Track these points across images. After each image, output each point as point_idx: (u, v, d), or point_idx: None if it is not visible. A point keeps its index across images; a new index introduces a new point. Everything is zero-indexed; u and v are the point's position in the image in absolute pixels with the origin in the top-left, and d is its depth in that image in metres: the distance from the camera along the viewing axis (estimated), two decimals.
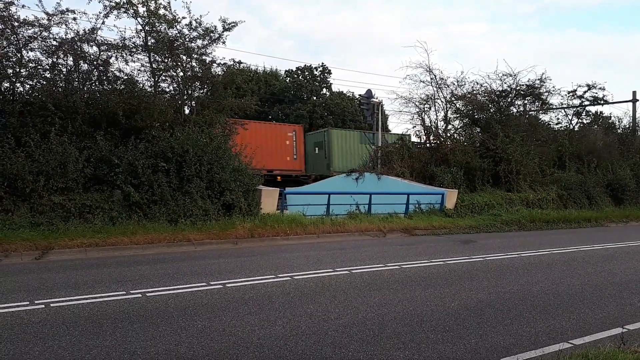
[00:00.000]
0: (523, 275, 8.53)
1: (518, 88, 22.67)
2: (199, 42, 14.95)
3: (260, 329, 5.25)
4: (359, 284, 7.51)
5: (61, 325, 5.29)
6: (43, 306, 6.00)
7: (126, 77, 14.52)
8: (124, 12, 13.91)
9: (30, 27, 12.92)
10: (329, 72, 47.59)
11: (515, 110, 23.96)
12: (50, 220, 10.96)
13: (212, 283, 7.36)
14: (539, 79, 22.66)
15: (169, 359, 4.42)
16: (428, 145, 21.39)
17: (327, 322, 5.53)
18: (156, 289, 6.92)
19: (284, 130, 28.55)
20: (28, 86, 13.50)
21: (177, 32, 14.59)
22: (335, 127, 32.07)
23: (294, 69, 46.80)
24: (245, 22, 47.89)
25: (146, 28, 14.27)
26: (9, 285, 7.11)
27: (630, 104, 28.72)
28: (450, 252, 10.90)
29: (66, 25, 13.37)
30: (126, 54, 14.34)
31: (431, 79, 21.82)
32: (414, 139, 23.41)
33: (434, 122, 22.36)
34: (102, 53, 13.99)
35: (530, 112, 24.95)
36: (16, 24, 12.69)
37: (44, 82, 13.35)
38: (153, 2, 14.07)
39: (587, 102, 25.70)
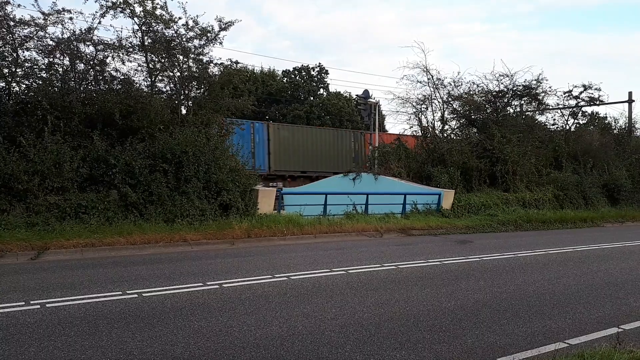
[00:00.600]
0: (519, 275, 8.55)
1: (515, 88, 22.75)
2: (196, 42, 14.93)
3: (256, 329, 5.25)
4: (356, 284, 7.51)
5: (57, 325, 5.27)
6: (39, 306, 5.97)
7: (123, 77, 14.49)
8: (121, 11, 13.88)
9: (26, 27, 12.90)
10: (326, 73, 47.68)
11: (511, 110, 24.06)
12: (45, 220, 10.93)
13: (208, 283, 7.35)
14: (535, 80, 22.76)
15: (165, 359, 4.41)
16: (425, 145, 21.42)
17: (323, 322, 5.53)
18: (152, 289, 6.90)
19: None
20: (24, 86, 13.47)
21: (173, 32, 14.57)
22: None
23: (291, 69, 46.89)
24: (242, 21, 47.78)
25: (143, 28, 14.25)
26: (4, 285, 7.08)
27: (626, 104, 28.83)
28: (446, 252, 10.91)
29: (62, 24, 13.35)
30: (123, 54, 14.32)
31: (428, 79, 21.86)
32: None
33: (431, 123, 22.42)
34: (98, 53, 13.96)
35: (526, 113, 25.03)
36: (12, 23, 12.66)
37: (40, 82, 13.32)
38: (149, 2, 14.05)
39: (583, 103, 25.77)
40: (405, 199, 16.84)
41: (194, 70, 15.29)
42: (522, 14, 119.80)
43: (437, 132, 22.15)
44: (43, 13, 13.04)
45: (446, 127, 22.87)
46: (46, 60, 13.47)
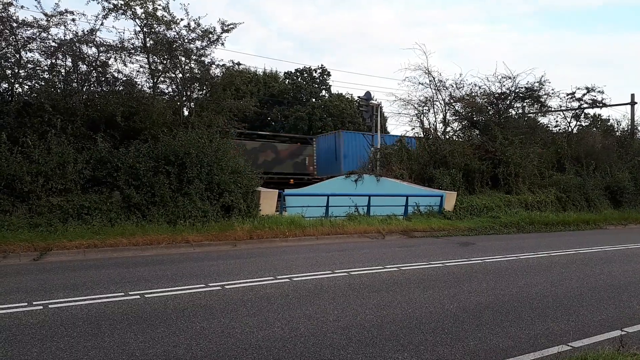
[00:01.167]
0: (522, 277, 8.53)
1: (517, 90, 22.76)
2: (198, 44, 15.01)
3: (258, 330, 5.24)
4: (358, 286, 7.50)
5: (59, 326, 5.28)
6: (41, 307, 5.98)
7: (125, 79, 14.56)
8: (122, 13, 13.95)
9: (28, 28, 12.96)
10: (328, 74, 47.71)
11: (514, 112, 24.05)
12: (48, 221, 10.96)
13: (210, 284, 7.34)
14: (538, 82, 22.77)
15: None
16: (427, 147, 21.42)
17: (325, 324, 5.52)
18: (155, 291, 6.90)
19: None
20: (27, 87, 13.54)
21: (175, 33, 14.63)
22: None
23: (293, 71, 46.92)
24: (244, 22, 47.87)
25: (145, 29, 14.30)
26: (7, 286, 7.09)
27: (629, 106, 28.79)
28: (449, 254, 10.89)
29: (65, 26, 13.43)
30: (125, 56, 14.38)
31: (430, 81, 21.89)
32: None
33: (433, 124, 22.42)
34: (100, 54, 14.03)
35: (529, 115, 25.01)
36: (15, 24, 12.72)
37: (43, 83, 13.37)
38: (151, 3, 14.10)
39: (585, 105, 25.77)
40: (407, 201, 16.82)
41: (196, 71, 15.33)
42: (523, 15, 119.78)
43: (439, 133, 22.14)
44: (46, 14, 13.10)
45: (448, 129, 22.91)
46: (49, 62, 13.53)
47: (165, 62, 14.93)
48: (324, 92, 47.79)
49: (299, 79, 46.58)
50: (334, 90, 48.19)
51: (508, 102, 23.19)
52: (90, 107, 13.57)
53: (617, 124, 28.94)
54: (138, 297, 6.57)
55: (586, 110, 26.60)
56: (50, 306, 6.03)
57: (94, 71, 14.12)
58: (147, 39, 14.43)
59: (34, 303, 6.15)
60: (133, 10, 13.95)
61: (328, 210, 15.46)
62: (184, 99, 15.65)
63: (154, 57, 14.72)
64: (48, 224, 10.87)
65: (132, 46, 14.34)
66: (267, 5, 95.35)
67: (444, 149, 20.21)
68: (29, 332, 5.08)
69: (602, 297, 7.15)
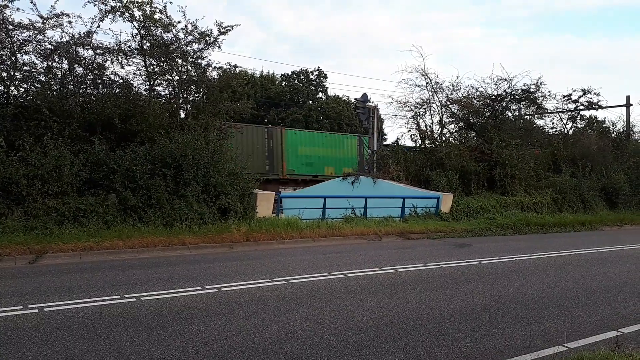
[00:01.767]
0: (518, 278, 8.55)
1: (513, 92, 22.80)
2: (195, 46, 14.98)
3: (255, 333, 5.24)
4: (355, 288, 7.51)
5: (55, 329, 5.26)
6: (37, 310, 5.96)
7: (121, 81, 14.52)
8: (120, 16, 13.91)
9: (24, 30, 12.91)
10: (325, 76, 47.76)
11: (510, 114, 24.09)
12: (44, 224, 10.91)
13: (207, 287, 7.33)
14: (534, 84, 22.80)
15: None
16: (423, 148, 21.45)
17: (322, 326, 5.52)
18: (151, 293, 6.89)
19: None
20: (22, 89, 13.49)
21: (172, 36, 14.60)
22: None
23: (290, 73, 46.93)
24: (241, 25, 47.65)
25: (142, 32, 14.27)
26: (2, 289, 7.06)
27: (624, 108, 28.91)
28: (445, 256, 10.91)
29: (61, 28, 13.36)
30: (121, 58, 14.33)
31: (427, 83, 21.90)
32: (409, 142, 23.47)
33: (430, 126, 22.45)
34: (97, 57, 13.98)
35: (525, 117, 25.08)
36: (10, 27, 12.68)
37: (39, 86, 13.33)
38: (148, 6, 14.08)
39: (582, 107, 25.85)
40: (404, 203, 16.84)
41: (193, 74, 15.32)
42: (520, 19, 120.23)
43: (435, 135, 22.18)
44: (42, 17, 13.05)
45: (445, 130, 22.92)
46: (45, 64, 13.48)
47: (162, 64, 14.91)
48: (320, 94, 47.83)
49: (296, 81, 46.60)
50: (331, 92, 48.25)
51: (504, 104, 23.24)
52: (86, 109, 13.53)
53: (613, 126, 29.05)
54: (134, 299, 6.55)
55: (582, 112, 26.71)
56: (45, 309, 6.01)
57: (90, 74, 14.08)
58: (144, 42, 14.41)
59: (30, 306, 6.12)
60: (130, 12, 13.92)
61: (325, 212, 15.46)
62: (181, 101, 15.63)
63: (151, 59, 14.70)
64: (44, 227, 10.83)
65: (128, 48, 14.31)
66: (266, 8, 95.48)
67: (441, 150, 20.24)
68: (24, 335, 5.06)
69: (598, 298, 7.17)
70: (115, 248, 10.29)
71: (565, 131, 26.34)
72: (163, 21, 14.32)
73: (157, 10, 14.23)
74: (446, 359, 4.61)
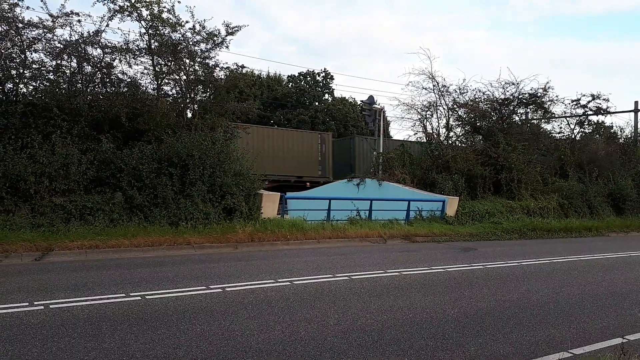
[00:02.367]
0: (523, 283, 8.51)
1: (520, 96, 22.72)
2: (202, 46, 15.04)
3: (259, 333, 5.24)
4: (359, 290, 7.50)
5: (60, 326, 5.29)
6: (42, 307, 5.99)
7: (129, 80, 14.61)
8: (128, 15, 13.99)
9: (34, 29, 13.01)
10: (332, 78, 47.77)
11: (517, 118, 24.01)
12: (51, 222, 10.99)
13: (211, 287, 7.35)
14: (542, 88, 22.72)
15: None
16: (429, 152, 21.40)
17: (326, 327, 5.52)
18: (156, 292, 6.91)
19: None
20: (31, 87, 13.58)
21: (180, 35, 14.67)
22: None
23: (297, 74, 46.99)
24: (249, 26, 47.99)
25: (150, 31, 14.35)
26: (9, 286, 7.11)
27: (632, 113, 28.74)
28: (450, 260, 10.88)
29: (70, 27, 13.47)
30: (130, 57, 14.42)
31: (433, 86, 21.88)
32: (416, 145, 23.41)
33: (436, 129, 22.42)
34: (105, 56, 14.08)
35: (532, 121, 24.98)
36: (20, 25, 12.77)
37: (47, 84, 13.42)
38: (157, 5, 14.15)
39: (590, 112, 25.70)
40: (409, 206, 16.81)
41: (200, 73, 15.37)
42: (526, 22, 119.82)
43: (441, 139, 22.14)
44: (51, 15, 13.15)
45: (451, 134, 22.90)
46: (54, 63, 13.58)
47: (169, 64, 14.98)
48: (327, 95, 47.86)
49: (303, 83, 46.66)
50: (337, 94, 48.28)
51: (511, 107, 23.17)
52: (94, 108, 13.62)
53: (621, 131, 28.88)
54: (139, 298, 6.58)
55: (590, 117, 26.57)
56: (51, 306, 6.04)
57: (98, 72, 14.18)
58: (152, 41, 14.49)
59: (35, 303, 6.16)
60: (139, 12, 14.00)
61: (330, 214, 15.46)
62: (188, 101, 15.69)
63: (159, 59, 14.77)
64: (50, 224, 10.91)
65: (137, 48, 14.40)
66: (272, 9, 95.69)
67: (447, 154, 20.20)
68: (29, 332, 5.09)
69: (604, 304, 7.13)
70: (120, 246, 10.34)
71: (573, 136, 26.21)
72: (171, 21, 14.39)
73: (165, 9, 14.31)
74: None
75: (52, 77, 13.58)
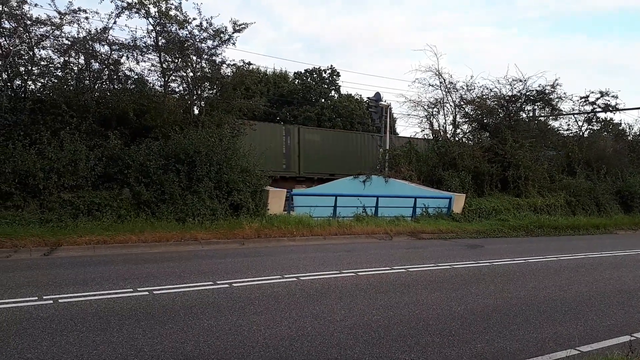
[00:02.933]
0: (530, 280, 8.49)
1: (528, 93, 22.59)
2: (209, 43, 15.05)
3: (266, 328, 5.27)
4: (365, 286, 7.51)
5: (69, 321, 5.34)
6: (51, 302, 6.05)
7: (136, 77, 14.67)
8: (136, 12, 14.02)
9: (42, 26, 13.09)
10: (338, 75, 47.65)
11: (524, 115, 23.87)
12: (59, 217, 11.07)
13: (218, 282, 7.39)
14: (550, 85, 22.56)
15: (175, 356, 4.44)
16: (436, 149, 21.33)
17: (332, 323, 5.54)
18: (163, 287, 6.95)
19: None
20: (39, 84, 13.65)
21: (187, 32, 14.69)
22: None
23: (303, 71, 46.91)
24: (255, 23, 47.94)
25: (157, 28, 14.38)
26: (18, 280, 7.18)
27: None
28: (457, 257, 10.86)
29: (78, 24, 13.54)
30: (137, 54, 14.48)
31: (440, 82, 21.79)
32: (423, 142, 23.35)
33: (443, 126, 22.35)
34: (113, 52, 14.14)
35: (539, 118, 24.83)
36: (29, 22, 12.85)
37: (55, 81, 13.50)
38: (164, 2, 14.17)
39: (598, 109, 25.51)
40: (415, 202, 16.78)
41: (207, 70, 15.40)
42: (534, 19, 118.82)
43: (448, 135, 22.06)
44: (59, 12, 13.22)
45: (458, 131, 22.80)
46: (62, 59, 13.65)
47: (176, 61, 15.01)
48: (333, 92, 47.77)
49: (309, 80, 46.58)
50: (343, 91, 48.14)
51: (519, 104, 23.04)
52: (102, 104, 13.69)
53: (629, 128, 28.66)
54: (147, 293, 6.62)
55: (598, 114, 26.37)
56: (60, 301, 6.10)
57: (106, 69, 14.24)
58: (159, 38, 14.52)
59: (44, 297, 6.22)
60: (146, 9, 14.03)
61: (336, 210, 15.46)
62: (195, 97, 15.73)
63: (166, 55, 14.81)
64: (59, 220, 10.98)
65: (144, 45, 14.44)
66: (278, 7, 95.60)
67: (454, 151, 20.12)
68: (39, 326, 5.15)
69: (611, 302, 7.10)
70: (128, 242, 10.40)
71: (581, 133, 26.04)
72: (178, 18, 14.41)
73: (173, 7, 14.34)
74: None
75: (60, 73, 13.66)
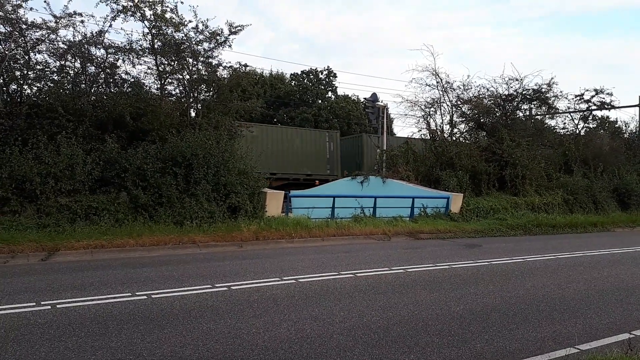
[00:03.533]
0: (529, 279, 8.49)
1: (524, 92, 22.64)
2: (205, 45, 15.05)
3: (265, 331, 5.26)
4: (364, 288, 7.50)
5: (67, 326, 5.32)
6: (49, 307, 6.03)
7: (133, 80, 14.66)
8: (131, 15, 14.02)
9: (38, 30, 13.06)
10: (335, 76, 47.70)
11: (521, 114, 23.93)
12: (57, 222, 11.04)
13: (217, 285, 7.37)
14: (546, 84, 22.63)
15: None
16: (433, 148, 21.36)
17: (332, 325, 5.53)
18: (161, 291, 6.94)
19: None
20: (35, 88, 13.64)
21: (183, 35, 14.68)
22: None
23: (300, 73, 46.93)
24: (252, 25, 47.85)
25: (153, 31, 14.37)
26: (16, 286, 7.15)
27: (637, 108, 28.58)
28: (455, 256, 10.87)
29: (74, 28, 13.52)
30: (133, 57, 14.46)
31: (437, 82, 21.83)
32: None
33: (440, 126, 22.38)
34: (109, 56, 14.12)
35: (536, 117, 24.89)
36: (24, 26, 12.83)
37: (52, 85, 13.49)
38: (160, 5, 14.17)
39: (594, 107, 25.59)
40: (413, 203, 16.79)
41: (203, 73, 15.39)
42: (531, 19, 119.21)
43: (445, 135, 22.09)
44: (55, 16, 13.20)
45: (455, 130, 22.84)
46: (57, 63, 13.63)
47: (172, 63, 15.00)
48: (330, 93, 47.80)
49: (305, 81, 46.60)
50: (340, 91, 48.19)
51: (515, 103, 23.09)
52: (98, 108, 13.67)
53: (625, 126, 28.80)
54: (145, 297, 6.60)
55: (594, 112, 26.45)
56: (58, 306, 6.08)
57: (102, 72, 14.22)
58: (155, 41, 14.51)
59: (42, 303, 6.19)
60: (142, 12, 14.02)
61: (334, 211, 15.46)
62: (191, 100, 15.72)
63: (162, 58, 14.80)
64: (56, 225, 10.95)
65: (140, 48, 14.43)
66: (275, 8, 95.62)
67: (451, 150, 20.14)
68: (37, 331, 5.13)
69: (610, 300, 7.11)
70: (126, 246, 10.38)
71: (577, 131, 26.12)
72: (174, 20, 14.41)
73: (168, 9, 14.35)
74: None
75: (56, 77, 13.65)
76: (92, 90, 14.22)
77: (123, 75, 14.59)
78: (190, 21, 14.68)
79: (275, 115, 42.88)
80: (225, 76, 15.75)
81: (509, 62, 54.80)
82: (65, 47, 13.42)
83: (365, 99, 27.59)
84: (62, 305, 6.13)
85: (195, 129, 14.10)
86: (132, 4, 13.85)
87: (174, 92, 15.76)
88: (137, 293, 6.79)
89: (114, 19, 13.83)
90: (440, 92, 21.94)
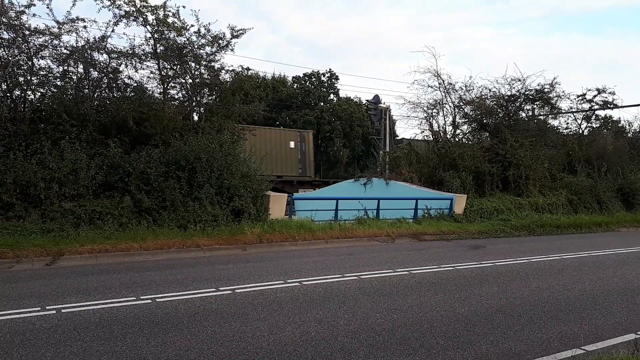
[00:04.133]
0: (533, 280, 8.47)
1: (527, 93, 22.60)
2: (208, 49, 15.05)
3: (269, 334, 5.25)
4: (368, 290, 7.49)
5: (72, 330, 5.33)
6: (54, 312, 6.04)
7: (136, 85, 14.68)
8: (133, 20, 14.04)
9: (41, 36, 13.09)
10: (337, 78, 47.81)
11: (524, 114, 23.88)
12: (61, 227, 11.05)
13: (221, 289, 7.37)
14: (549, 84, 22.58)
15: None
16: (436, 150, 21.34)
17: (336, 327, 5.52)
18: (166, 295, 6.94)
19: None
20: (39, 94, 13.67)
21: (185, 39, 14.70)
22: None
23: (302, 75, 47.04)
24: (254, 28, 48.01)
25: (155, 36, 14.40)
26: (21, 290, 7.17)
27: None
28: (459, 258, 10.84)
29: (77, 33, 13.53)
30: (135, 62, 14.49)
31: (439, 83, 21.82)
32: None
33: (442, 127, 22.35)
34: (112, 61, 14.15)
35: (539, 117, 24.84)
36: (27, 32, 12.86)
37: (55, 90, 13.52)
38: (162, 10, 14.20)
39: (597, 107, 25.52)
40: (416, 204, 16.77)
41: (206, 77, 15.42)
42: (531, 19, 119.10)
43: (448, 136, 22.06)
44: (58, 22, 13.24)
45: (458, 131, 22.82)
46: (61, 69, 13.67)
47: (175, 68, 15.03)
48: (332, 96, 47.88)
49: (307, 84, 46.68)
50: (342, 94, 48.29)
51: (518, 104, 23.05)
52: (101, 112, 13.70)
53: (629, 125, 28.67)
54: (149, 301, 6.61)
55: (597, 112, 26.38)
56: (63, 311, 6.09)
57: (105, 77, 14.26)
58: (158, 45, 14.54)
59: (47, 307, 6.21)
60: (144, 16, 14.05)
61: (337, 214, 15.45)
62: (194, 104, 15.74)
63: (164, 63, 14.82)
64: (60, 229, 10.97)
65: (142, 52, 14.45)
66: (277, 11, 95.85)
67: (454, 151, 20.12)
68: (42, 336, 5.14)
69: (616, 300, 7.07)
70: (130, 250, 10.39)
71: (580, 131, 26.04)
72: (176, 25, 14.42)
73: (170, 14, 14.34)
74: None
75: (59, 83, 13.68)
76: (95, 95, 14.26)
77: (126, 80, 14.62)
78: (192, 25, 14.72)
79: (277, 118, 42.96)
80: (228, 80, 15.77)
81: (511, 63, 54.81)
82: (68, 52, 13.47)
83: (367, 101, 27.68)
84: (67, 309, 6.14)
85: (198, 132, 14.12)
86: (134, 9, 13.89)
87: (176, 96, 15.79)
88: (141, 297, 6.80)
89: (116, 24, 13.87)
90: (443, 94, 21.96)
